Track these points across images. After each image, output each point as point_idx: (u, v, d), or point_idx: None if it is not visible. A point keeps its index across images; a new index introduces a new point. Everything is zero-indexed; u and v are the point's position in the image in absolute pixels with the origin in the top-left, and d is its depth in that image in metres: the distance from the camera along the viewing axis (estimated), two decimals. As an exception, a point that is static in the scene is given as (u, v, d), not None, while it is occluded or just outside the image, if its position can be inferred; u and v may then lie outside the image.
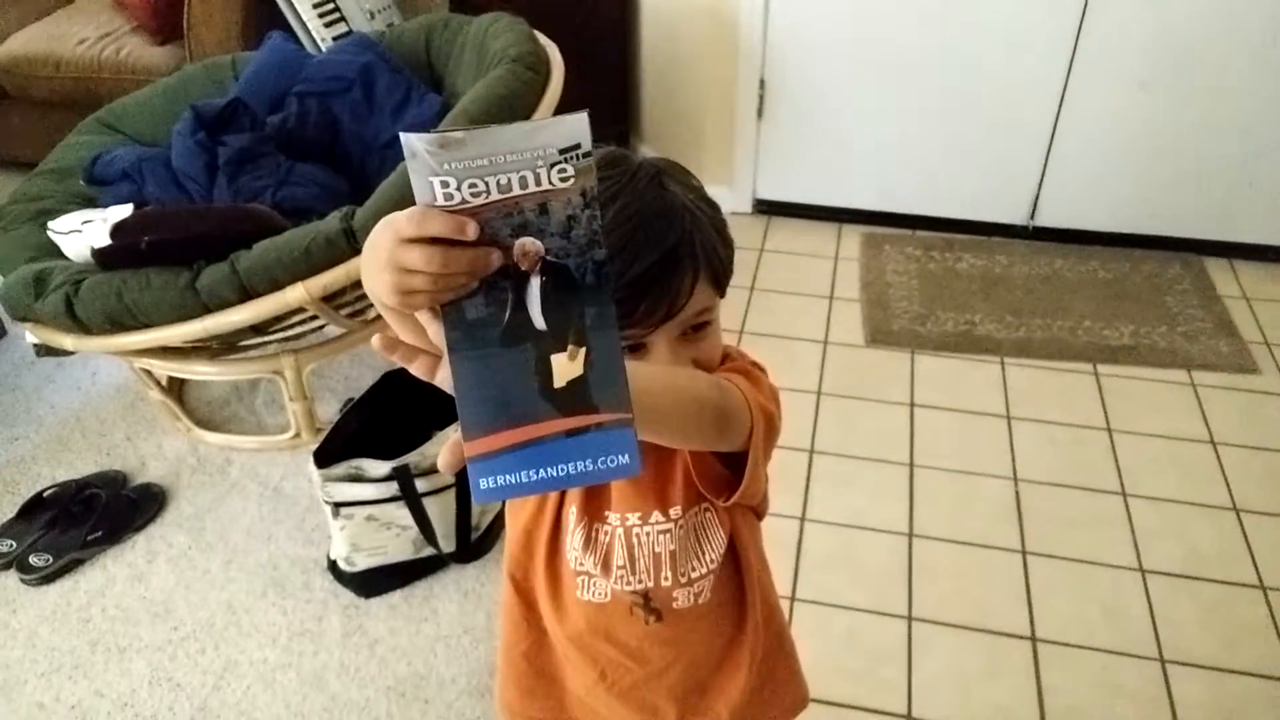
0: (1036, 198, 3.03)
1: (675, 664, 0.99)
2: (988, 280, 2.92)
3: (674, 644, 0.98)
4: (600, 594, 0.95)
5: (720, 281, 0.83)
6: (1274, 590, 1.96)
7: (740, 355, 0.93)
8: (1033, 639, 1.87)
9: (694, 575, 0.94)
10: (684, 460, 0.89)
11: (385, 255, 0.55)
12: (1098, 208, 3.02)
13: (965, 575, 1.98)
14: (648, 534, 0.91)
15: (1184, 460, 2.29)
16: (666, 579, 0.93)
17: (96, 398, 2.47)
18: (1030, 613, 1.91)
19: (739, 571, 0.99)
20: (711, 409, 0.76)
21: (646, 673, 0.99)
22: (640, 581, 0.93)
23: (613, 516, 0.91)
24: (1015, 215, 3.08)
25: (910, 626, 1.89)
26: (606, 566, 0.93)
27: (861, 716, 1.73)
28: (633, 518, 0.91)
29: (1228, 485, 2.21)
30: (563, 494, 0.93)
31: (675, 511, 0.91)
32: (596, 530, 0.92)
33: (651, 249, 0.76)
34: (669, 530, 0.91)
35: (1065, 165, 2.94)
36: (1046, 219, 3.06)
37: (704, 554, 0.94)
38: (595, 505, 0.92)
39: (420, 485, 1.84)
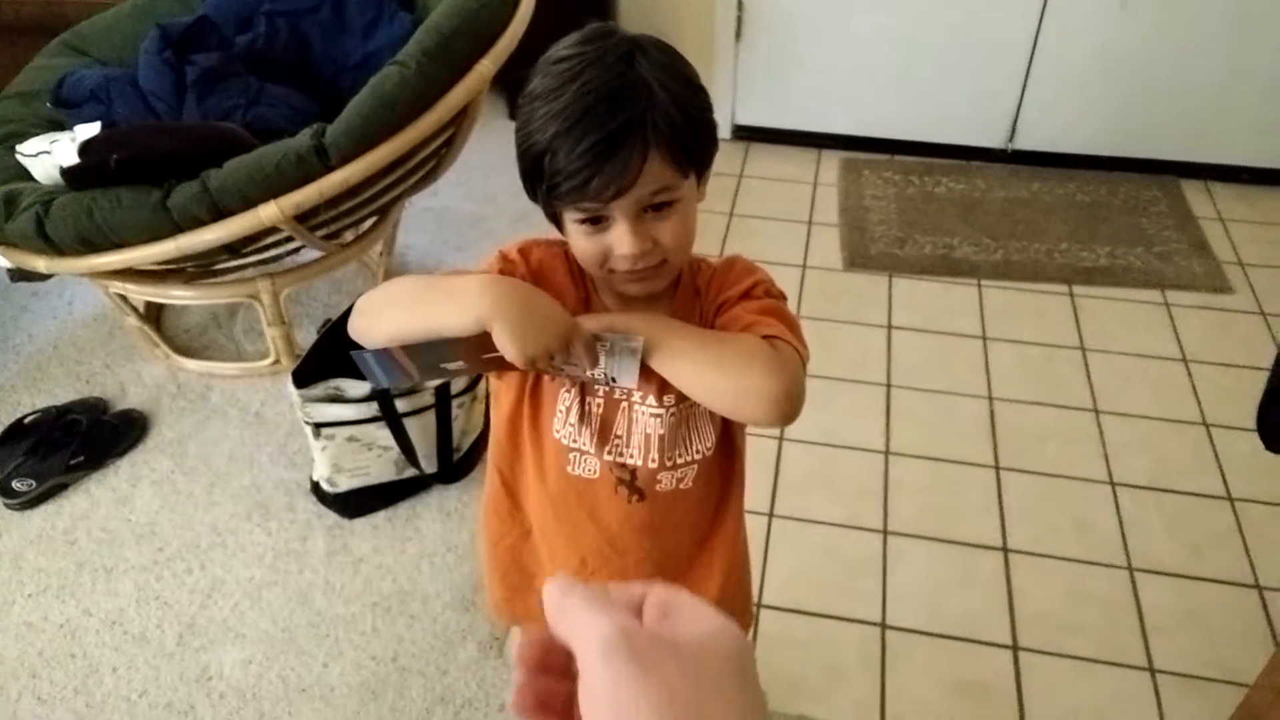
0: (1015, 121, 3.02)
1: (650, 556, 1.01)
2: (966, 204, 2.93)
3: (652, 531, 1.00)
4: (590, 470, 0.97)
5: (683, 162, 0.83)
6: (1240, 500, 2.01)
7: (764, 280, 0.96)
8: (1004, 549, 1.91)
9: (679, 461, 0.97)
10: None
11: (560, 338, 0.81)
12: (1076, 130, 3.01)
13: (940, 490, 2.01)
14: (641, 413, 0.94)
15: (1156, 377, 2.32)
16: (653, 460, 0.96)
17: (74, 326, 2.46)
18: (1002, 525, 1.96)
19: (726, 471, 1.02)
20: (774, 399, 0.84)
21: (624, 563, 1.01)
22: (630, 457, 0.96)
23: (615, 390, 0.94)
24: (993, 139, 3.08)
25: (885, 540, 1.93)
26: (603, 437, 0.95)
27: (838, 626, 1.77)
28: (634, 395, 0.94)
29: (1198, 401, 2.25)
30: (538, 378, 0.95)
31: (669, 400, 0.94)
32: (589, 404, 0.95)
33: (602, 124, 0.78)
34: (659, 415, 0.94)
35: (1044, 88, 2.93)
36: (1025, 142, 3.06)
37: (691, 444, 0.97)
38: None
39: (400, 405, 1.85)
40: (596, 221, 0.84)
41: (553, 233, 0.93)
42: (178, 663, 1.71)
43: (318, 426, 1.85)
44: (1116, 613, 1.80)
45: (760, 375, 0.84)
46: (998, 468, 2.07)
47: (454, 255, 2.71)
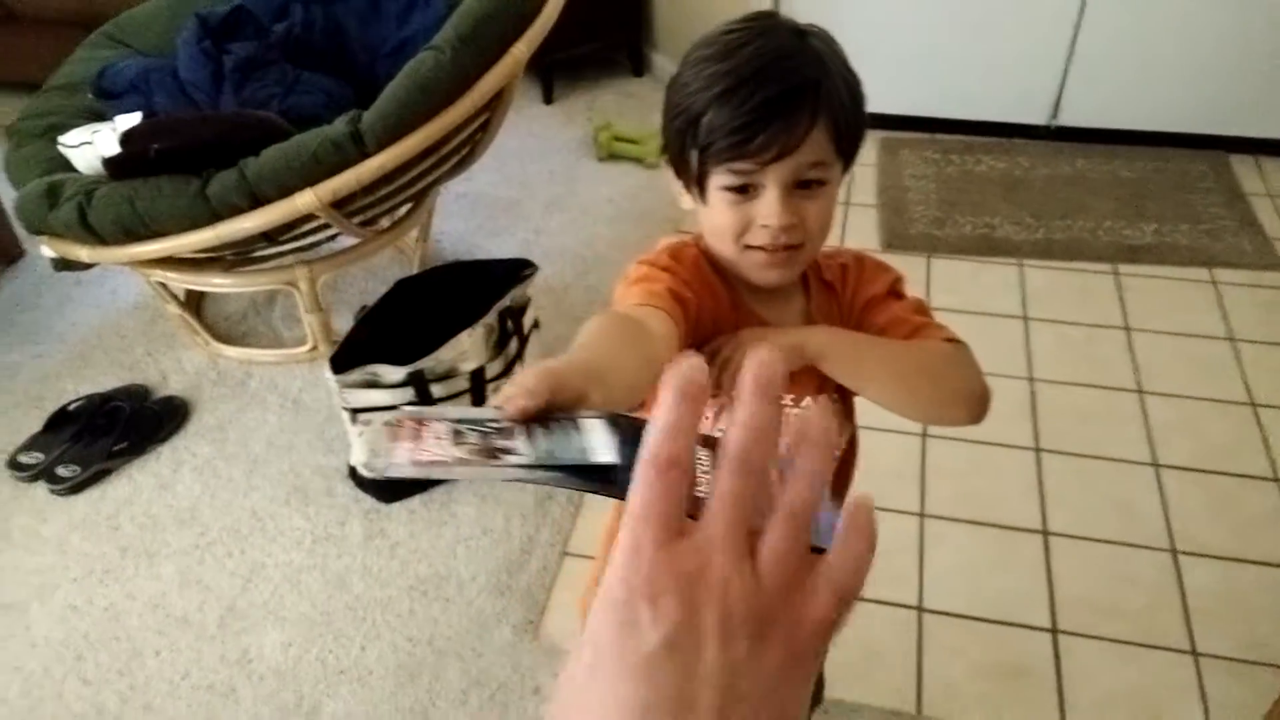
0: (1059, 96, 2.96)
1: None
2: (1007, 182, 2.88)
3: None
4: None
5: (841, 141, 0.82)
6: (1289, 483, 1.96)
7: (899, 275, 0.96)
8: (1044, 532, 1.88)
9: None
10: None
11: None
12: (1121, 106, 2.95)
13: (978, 473, 1.99)
14: (795, 415, 0.93)
15: (1202, 357, 2.27)
16: None
17: (116, 314, 2.50)
18: (1042, 507, 1.93)
19: (846, 470, 1.02)
20: (979, 400, 0.87)
21: None
22: None
23: None
24: (1037, 115, 3.02)
25: (922, 523, 1.91)
26: None
27: (874, 608, 1.76)
28: (787, 397, 0.92)
29: (1244, 380, 2.19)
30: None
31: (824, 400, 0.94)
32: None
33: (777, 82, 0.78)
34: None
35: (1089, 62, 2.87)
36: (1069, 118, 3.00)
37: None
38: None
39: (436, 390, 1.86)
40: (744, 190, 0.82)
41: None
42: (219, 645, 1.74)
43: (355, 412, 1.86)
44: (1158, 596, 1.77)
45: (961, 380, 0.88)
46: (1038, 449, 2.04)
47: (489, 240, 2.71)
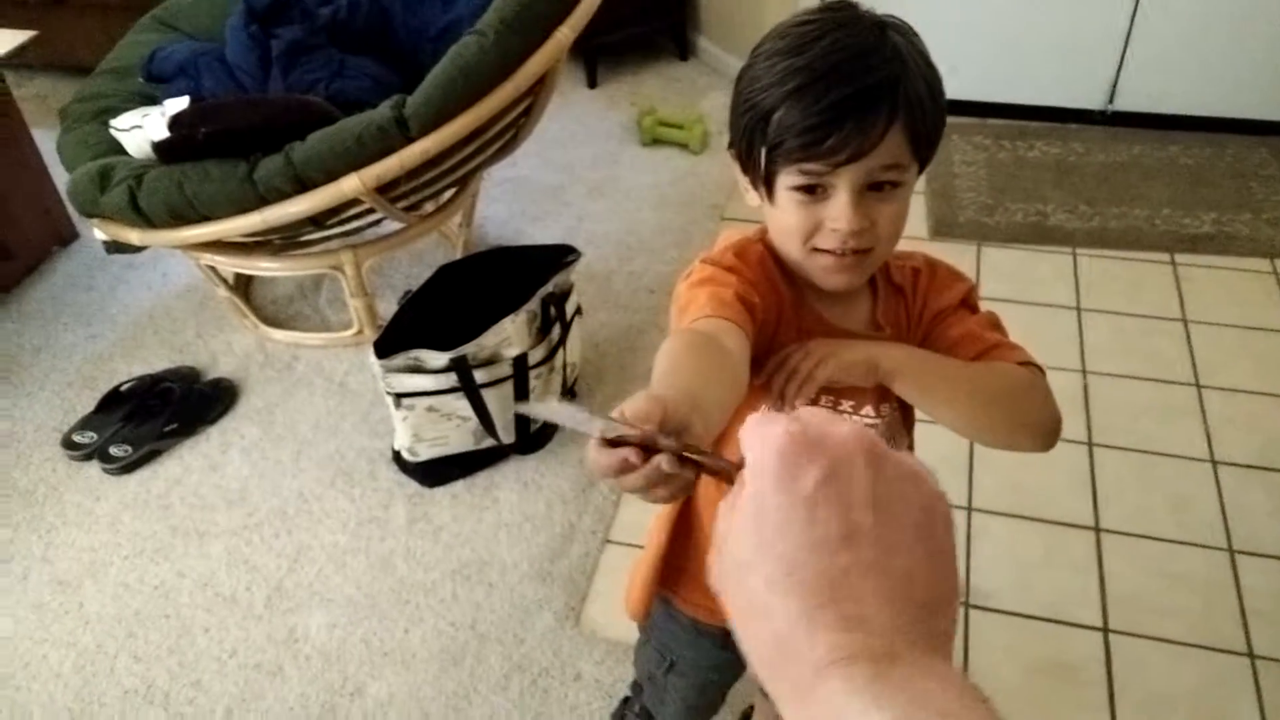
0: (1115, 80, 2.89)
1: None
2: (1061, 169, 2.81)
3: None
4: None
5: (919, 143, 0.79)
6: (1353, 481, 1.90)
7: (972, 284, 0.94)
8: (1096, 529, 1.84)
9: None
10: None
11: None
12: (1180, 90, 2.87)
13: (1027, 467, 1.95)
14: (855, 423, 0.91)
15: (1263, 351, 2.21)
16: None
17: (167, 297, 2.53)
18: (1094, 503, 1.89)
19: None
20: (1050, 431, 0.87)
21: None
22: None
23: (827, 399, 0.90)
24: (1092, 100, 2.94)
25: (970, 516, 1.88)
26: None
27: (919, 602, 1.74)
28: (845, 404, 0.91)
29: (1309, 375, 2.13)
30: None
31: (885, 409, 0.91)
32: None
33: (852, 80, 0.74)
34: (875, 425, 0.91)
35: (1147, 45, 2.79)
36: (1125, 103, 2.92)
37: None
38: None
39: (479, 376, 1.86)
40: (813, 191, 0.79)
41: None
42: (266, 624, 1.76)
43: (398, 396, 1.87)
44: (1214, 595, 1.73)
45: (1037, 410, 0.86)
46: (1090, 444, 2.00)
47: (532, 226, 2.71)
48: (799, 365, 0.83)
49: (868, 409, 0.90)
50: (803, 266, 0.85)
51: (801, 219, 0.80)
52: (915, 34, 0.80)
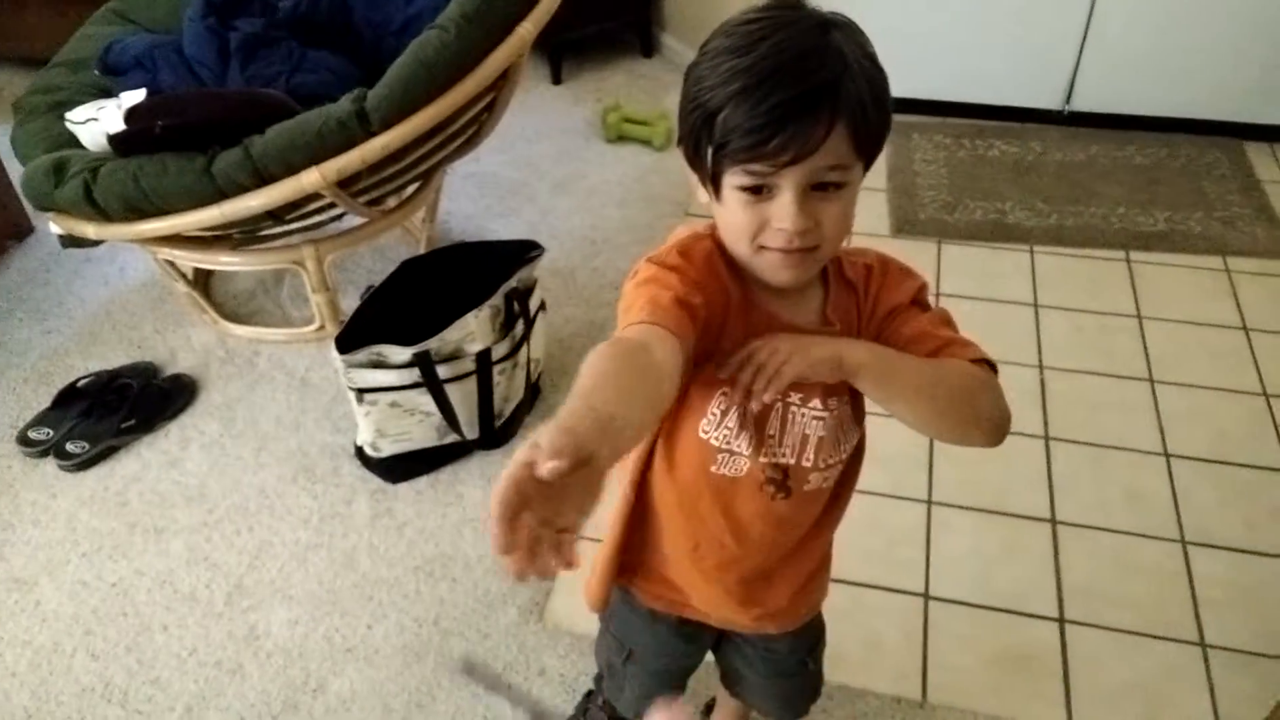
0: (1072, 82, 2.93)
1: (767, 545, 1.00)
2: (1019, 167, 2.85)
3: (783, 525, 0.98)
4: (737, 469, 0.94)
5: (862, 143, 0.79)
6: (1300, 473, 1.95)
7: (924, 281, 0.94)
8: (1052, 521, 1.87)
9: (830, 462, 0.95)
10: None
11: None
12: (1136, 91, 2.92)
13: (986, 461, 1.97)
14: (802, 415, 0.91)
15: (1215, 346, 2.25)
16: (808, 460, 0.93)
17: (125, 291, 2.50)
18: (1051, 496, 1.92)
19: (855, 466, 1.01)
20: (999, 428, 0.88)
21: (740, 551, 1.00)
22: (783, 456, 0.93)
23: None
24: (1050, 100, 2.99)
25: (930, 510, 1.90)
26: (760, 440, 0.92)
27: (880, 595, 1.76)
28: (794, 396, 0.91)
29: (1258, 370, 2.18)
30: (686, 381, 0.89)
31: (833, 402, 0.91)
32: (745, 408, 0.90)
33: (793, 83, 0.74)
34: (823, 418, 0.91)
35: (1103, 46, 2.84)
36: (1082, 103, 2.97)
37: (841, 445, 0.95)
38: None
39: (441, 371, 1.85)
40: (758, 190, 0.80)
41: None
42: (226, 622, 1.75)
43: (361, 392, 1.86)
44: (1167, 586, 1.76)
45: (989, 407, 0.87)
46: (1047, 438, 2.03)
47: (496, 222, 2.70)
48: (766, 361, 0.84)
49: (815, 402, 0.91)
50: (750, 263, 0.85)
51: (748, 218, 0.81)
52: (860, 32, 0.81)
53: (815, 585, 1.12)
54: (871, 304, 0.93)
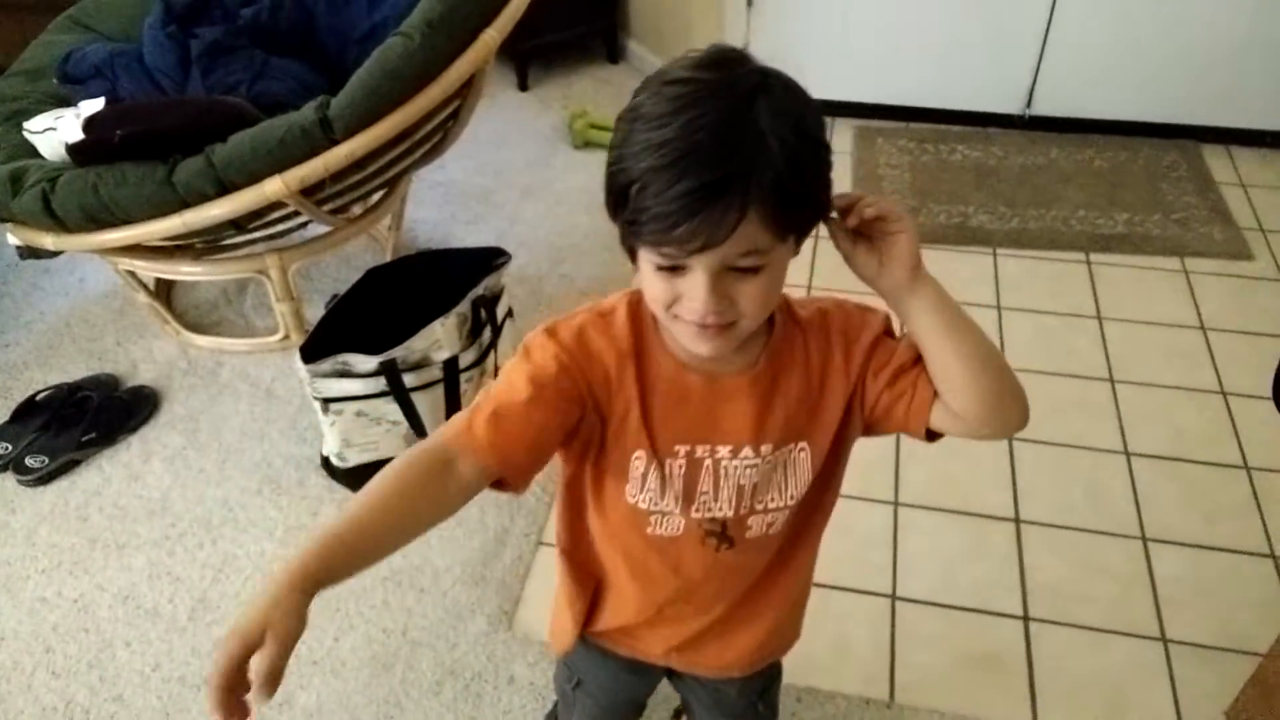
0: (1033, 86, 2.97)
1: (728, 589, 1.00)
2: (981, 171, 2.89)
3: (737, 571, 0.98)
4: (674, 528, 0.93)
5: (783, 226, 0.75)
6: (1257, 470, 1.98)
7: (884, 312, 0.91)
8: (1016, 520, 1.89)
9: (770, 506, 0.92)
10: (787, 401, 0.88)
11: None
12: (1095, 96, 2.96)
13: (951, 462, 1.99)
14: (735, 468, 0.90)
15: (1173, 346, 2.29)
16: (745, 508, 0.92)
17: (85, 303, 2.47)
18: (1015, 496, 1.94)
19: (816, 503, 0.98)
20: (1027, 407, 0.89)
21: (701, 601, 1.01)
22: (720, 510, 0.91)
23: (695, 449, 0.89)
24: (1011, 105, 3.03)
25: (896, 511, 1.92)
26: (689, 497, 0.90)
27: (848, 597, 1.77)
28: (723, 450, 0.89)
29: (1216, 369, 2.21)
30: (602, 446, 0.89)
31: (766, 449, 0.89)
32: (669, 466, 0.89)
33: (704, 169, 0.70)
34: (754, 465, 0.89)
35: (1062, 52, 2.88)
36: (1042, 108, 3.01)
37: (785, 489, 0.92)
38: (665, 441, 0.89)
39: (408, 380, 1.85)
40: (673, 269, 0.77)
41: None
42: (190, 637, 1.72)
43: (326, 401, 1.85)
44: (1129, 583, 1.79)
45: (1018, 387, 0.87)
46: (1011, 439, 2.05)
47: (463, 229, 2.70)
48: (888, 206, 0.84)
49: (746, 451, 0.89)
50: (669, 328, 0.84)
51: (661, 290, 0.79)
52: (794, 97, 0.76)
53: (781, 632, 1.11)
54: (844, 342, 0.90)
